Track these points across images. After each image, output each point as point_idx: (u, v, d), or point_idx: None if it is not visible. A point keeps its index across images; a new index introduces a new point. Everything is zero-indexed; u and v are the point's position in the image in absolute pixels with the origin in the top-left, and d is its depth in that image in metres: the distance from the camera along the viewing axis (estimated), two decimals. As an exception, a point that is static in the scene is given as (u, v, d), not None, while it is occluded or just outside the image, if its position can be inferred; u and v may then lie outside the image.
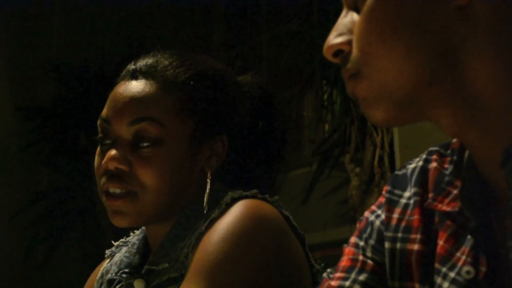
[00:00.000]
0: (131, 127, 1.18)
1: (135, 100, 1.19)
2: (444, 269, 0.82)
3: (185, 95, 1.20)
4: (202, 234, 1.13)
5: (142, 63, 1.23)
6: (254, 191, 1.18)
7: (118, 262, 1.24)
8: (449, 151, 0.89)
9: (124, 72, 1.24)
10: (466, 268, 0.79)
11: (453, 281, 0.80)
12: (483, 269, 0.78)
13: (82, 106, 4.63)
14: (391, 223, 0.90)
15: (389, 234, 0.89)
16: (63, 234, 4.76)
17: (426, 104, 0.79)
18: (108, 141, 1.20)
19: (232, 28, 5.73)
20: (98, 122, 1.22)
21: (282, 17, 5.21)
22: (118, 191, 1.17)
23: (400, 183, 0.92)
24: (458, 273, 0.80)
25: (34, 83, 5.11)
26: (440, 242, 0.83)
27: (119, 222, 1.19)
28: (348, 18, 0.82)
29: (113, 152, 1.18)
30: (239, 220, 1.11)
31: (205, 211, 1.17)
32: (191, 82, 1.21)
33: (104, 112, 1.21)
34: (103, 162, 1.19)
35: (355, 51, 0.80)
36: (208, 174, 1.21)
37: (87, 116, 4.63)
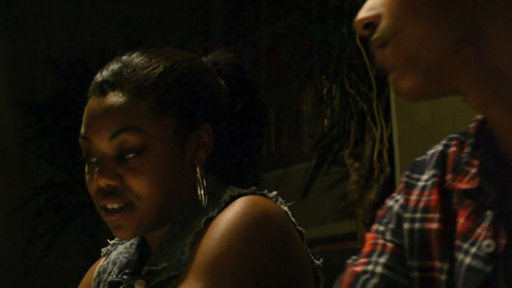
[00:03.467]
0: (113, 141, 1.16)
1: (110, 114, 1.16)
2: (465, 246, 0.83)
3: (158, 95, 1.17)
4: (200, 232, 1.12)
5: (107, 73, 1.20)
6: (253, 188, 1.17)
7: (118, 263, 1.24)
8: (467, 137, 0.91)
9: (92, 86, 1.23)
10: (486, 242, 0.80)
11: (474, 256, 0.81)
12: (503, 241, 0.79)
13: (81, 101, 4.61)
14: (409, 204, 0.91)
15: (407, 215, 0.90)
16: (62, 229, 4.76)
17: (452, 73, 0.80)
18: (93, 159, 1.18)
19: (231, 23, 5.72)
20: (80, 141, 1.20)
21: (281, 12, 5.20)
22: (115, 206, 1.16)
23: (419, 168, 0.94)
24: (479, 248, 0.81)
25: (33, 78, 5.10)
26: (461, 220, 0.84)
27: (122, 235, 1.18)
28: None
29: (101, 169, 1.16)
30: (240, 215, 1.10)
31: (205, 206, 1.17)
32: (161, 81, 1.18)
33: (83, 130, 1.20)
34: (93, 181, 1.18)
35: (385, 20, 0.82)
36: (198, 168, 1.19)
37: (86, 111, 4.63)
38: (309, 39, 4.04)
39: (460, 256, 0.83)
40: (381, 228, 0.95)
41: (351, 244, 3.39)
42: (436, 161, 0.92)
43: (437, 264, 0.86)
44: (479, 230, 0.82)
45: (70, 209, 4.78)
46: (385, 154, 3.42)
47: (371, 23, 0.84)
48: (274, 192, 1.19)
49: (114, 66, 1.21)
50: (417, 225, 0.89)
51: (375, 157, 3.44)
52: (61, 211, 4.79)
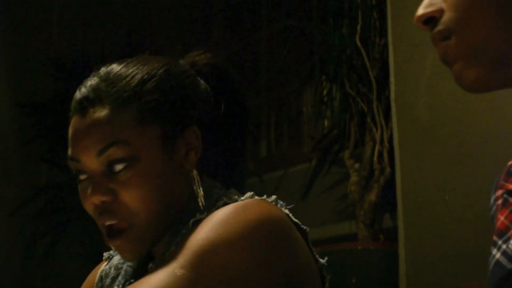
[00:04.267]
0: (100, 157, 1.15)
1: (94, 131, 1.16)
2: (500, 242, 0.85)
3: (140, 103, 1.16)
4: (187, 234, 1.10)
5: (85, 90, 1.20)
6: (250, 193, 1.17)
7: (123, 273, 1.23)
8: None
9: (73, 105, 1.22)
10: None
11: (503, 253, 0.83)
12: None
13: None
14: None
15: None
16: (63, 230, 4.76)
17: None
18: (83, 176, 1.19)
19: (231, 23, 5.72)
20: (68, 162, 1.21)
21: (281, 13, 5.20)
22: (114, 221, 1.15)
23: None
24: (508, 246, 0.83)
25: (34, 79, 5.10)
26: (501, 218, 0.87)
27: (129, 257, 1.17)
28: None
29: (93, 187, 1.16)
30: (233, 212, 1.08)
31: (202, 209, 1.16)
32: (141, 89, 1.17)
33: (70, 151, 1.21)
34: (88, 199, 1.17)
35: (448, 13, 0.83)
36: (194, 172, 1.18)
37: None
38: (309, 40, 4.03)
39: (494, 251, 0.86)
40: None
41: (351, 245, 3.39)
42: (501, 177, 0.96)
43: None
44: None
45: (70, 210, 4.77)
46: (385, 155, 3.42)
47: (431, 18, 0.86)
48: (273, 197, 1.18)
49: (91, 81, 1.20)
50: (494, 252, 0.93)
51: (375, 158, 3.44)
52: (61, 212, 4.79)
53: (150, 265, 1.19)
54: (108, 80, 1.19)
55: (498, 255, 0.84)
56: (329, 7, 3.72)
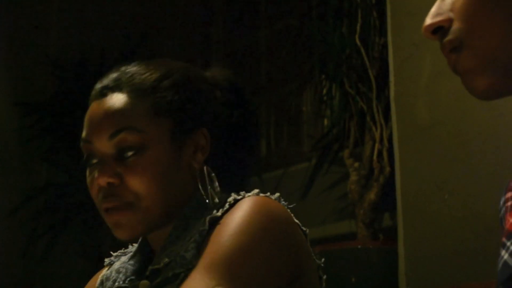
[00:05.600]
0: (112, 140, 1.20)
1: (109, 115, 1.22)
2: (508, 243, 0.86)
3: (156, 97, 1.22)
4: (205, 231, 1.14)
5: (107, 80, 1.27)
6: (256, 190, 1.20)
7: (124, 271, 1.25)
8: None
9: (93, 93, 1.29)
10: None
11: (511, 254, 0.84)
12: None
13: (81, 101, 4.61)
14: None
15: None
16: (62, 229, 4.76)
17: None
18: (94, 161, 1.23)
19: (231, 23, 5.72)
20: (81, 144, 1.25)
21: (281, 12, 5.20)
22: (117, 204, 1.19)
23: None
24: None
25: (33, 78, 5.10)
26: (511, 220, 0.87)
27: (122, 234, 1.21)
28: (447, 0, 0.86)
29: (101, 169, 1.20)
30: (249, 214, 1.13)
31: (211, 204, 1.19)
32: (159, 84, 1.24)
33: (84, 134, 1.25)
34: (94, 181, 1.20)
35: (457, 23, 0.83)
36: (206, 168, 1.22)
37: (86, 111, 4.62)
38: (308, 39, 4.03)
39: (502, 252, 0.86)
40: None
41: (351, 244, 3.39)
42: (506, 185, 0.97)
43: None
44: None
45: (70, 209, 4.77)
46: (385, 154, 3.42)
47: (440, 28, 0.85)
48: (277, 194, 1.23)
49: (113, 74, 1.27)
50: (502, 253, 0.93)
51: (375, 157, 3.44)
52: (61, 211, 4.79)
53: (154, 260, 1.20)
54: (129, 73, 1.25)
55: (506, 256, 0.84)
56: (328, 7, 3.72)
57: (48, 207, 4.81)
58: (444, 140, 2.53)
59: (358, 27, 3.56)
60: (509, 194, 0.93)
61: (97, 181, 1.20)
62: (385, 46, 3.40)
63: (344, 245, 3.39)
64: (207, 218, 1.16)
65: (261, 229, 1.11)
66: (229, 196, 1.19)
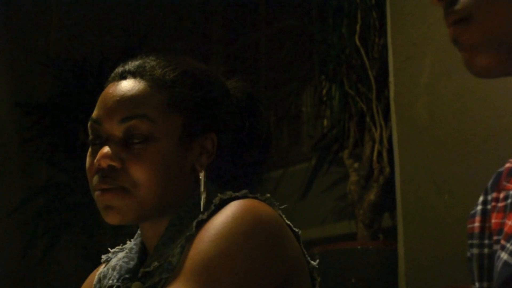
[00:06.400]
0: (122, 124, 1.20)
1: (126, 98, 1.21)
2: (508, 245, 0.85)
3: (174, 93, 1.22)
4: (192, 236, 1.13)
5: (130, 65, 1.26)
6: (244, 191, 1.19)
7: (118, 268, 1.25)
8: None
9: (113, 75, 1.27)
10: None
11: (510, 253, 0.84)
12: None
13: (80, 101, 4.62)
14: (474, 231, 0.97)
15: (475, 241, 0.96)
16: (62, 229, 4.76)
17: None
18: (99, 141, 1.22)
19: (231, 23, 5.73)
20: (89, 124, 1.24)
21: (281, 13, 5.20)
22: (111, 187, 1.18)
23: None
24: None
25: (33, 79, 5.10)
26: (509, 223, 0.87)
27: (112, 218, 1.19)
28: None
29: (105, 149, 1.19)
30: (231, 219, 1.11)
31: (201, 209, 1.18)
32: (179, 80, 1.23)
33: (95, 113, 1.24)
34: (95, 160, 1.19)
35: None
36: (203, 173, 1.22)
37: (85, 112, 4.61)
38: (308, 40, 4.03)
39: (502, 254, 0.86)
40: None
41: (351, 244, 3.39)
42: (492, 183, 0.96)
43: None
44: None
45: (69, 210, 4.77)
46: (384, 154, 3.42)
47: None
48: (267, 195, 1.21)
49: (136, 61, 1.27)
50: (485, 250, 0.95)
51: (374, 158, 3.44)
52: (60, 212, 4.79)
53: (147, 260, 1.20)
54: (152, 63, 1.25)
55: (505, 257, 0.84)
56: (328, 7, 3.72)
57: (48, 207, 4.81)
58: (444, 140, 2.53)
59: (358, 28, 3.56)
60: (501, 194, 0.92)
61: (99, 161, 1.19)
62: (385, 46, 3.40)
63: (344, 245, 3.38)
64: (194, 222, 1.15)
65: (243, 234, 1.09)
66: (216, 196, 1.19)
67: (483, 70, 0.80)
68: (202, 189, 1.20)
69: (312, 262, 1.22)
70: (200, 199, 1.20)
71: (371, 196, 3.42)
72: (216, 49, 5.66)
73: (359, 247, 3.34)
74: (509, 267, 0.82)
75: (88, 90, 4.55)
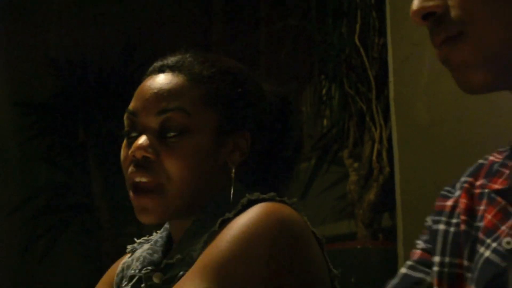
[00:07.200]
0: (159, 116, 1.20)
1: (163, 91, 1.22)
2: (488, 240, 0.84)
3: (211, 88, 1.23)
4: (215, 233, 1.14)
5: (169, 59, 1.27)
6: (272, 193, 1.19)
7: (142, 259, 1.25)
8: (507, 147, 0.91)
9: (151, 68, 1.28)
10: (506, 239, 0.82)
11: (494, 250, 0.82)
12: None
13: (80, 101, 4.62)
14: (445, 210, 0.96)
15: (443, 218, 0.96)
16: (62, 229, 4.76)
17: None
18: (134, 133, 1.22)
19: (231, 23, 5.72)
20: (125, 115, 1.25)
21: (280, 12, 5.20)
22: (144, 179, 1.19)
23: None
24: (500, 244, 0.82)
25: (32, 79, 5.10)
26: (488, 217, 0.86)
27: (146, 219, 1.21)
28: None
29: (140, 141, 1.20)
30: (255, 221, 1.11)
31: (229, 208, 1.19)
32: (216, 77, 1.25)
33: (131, 105, 1.24)
34: (130, 151, 1.20)
35: (456, 11, 0.75)
36: (233, 170, 1.23)
37: (85, 112, 4.62)
38: (308, 40, 4.03)
39: (481, 249, 0.84)
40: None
41: (351, 244, 3.39)
42: (470, 171, 0.97)
43: (465, 262, 0.88)
44: (503, 228, 0.83)
45: (69, 210, 4.77)
46: (384, 154, 3.42)
47: (432, 14, 0.77)
48: (294, 199, 1.21)
49: (174, 56, 1.28)
50: (452, 229, 0.92)
51: (374, 157, 3.44)
52: (60, 212, 4.79)
53: (170, 254, 1.20)
54: (190, 59, 1.27)
55: (487, 253, 0.83)
56: (328, 7, 3.72)
57: (47, 207, 4.81)
58: (444, 140, 2.53)
59: (357, 27, 3.56)
60: (471, 179, 0.92)
61: (134, 152, 1.19)
62: (384, 46, 3.40)
63: (343, 245, 3.38)
64: (219, 220, 1.16)
65: (265, 236, 1.09)
66: (244, 196, 1.19)
67: (479, 87, 0.78)
68: (233, 186, 1.21)
69: (334, 270, 1.21)
70: (228, 197, 1.20)
71: (371, 195, 3.42)
72: (216, 49, 5.65)
73: (358, 246, 3.34)
74: (494, 266, 0.81)
75: (88, 90, 4.55)
